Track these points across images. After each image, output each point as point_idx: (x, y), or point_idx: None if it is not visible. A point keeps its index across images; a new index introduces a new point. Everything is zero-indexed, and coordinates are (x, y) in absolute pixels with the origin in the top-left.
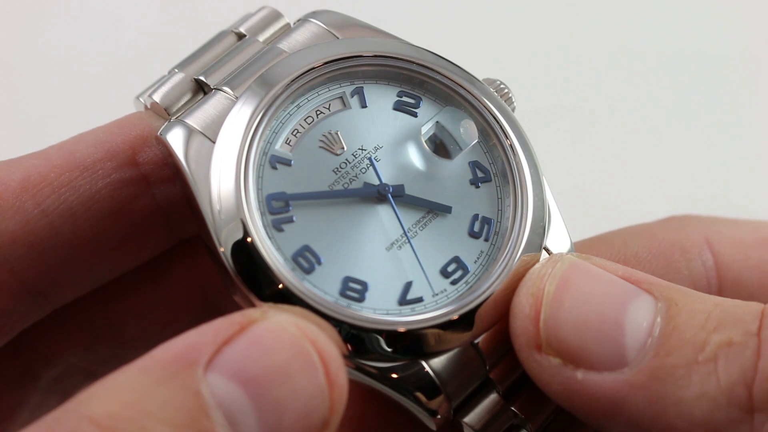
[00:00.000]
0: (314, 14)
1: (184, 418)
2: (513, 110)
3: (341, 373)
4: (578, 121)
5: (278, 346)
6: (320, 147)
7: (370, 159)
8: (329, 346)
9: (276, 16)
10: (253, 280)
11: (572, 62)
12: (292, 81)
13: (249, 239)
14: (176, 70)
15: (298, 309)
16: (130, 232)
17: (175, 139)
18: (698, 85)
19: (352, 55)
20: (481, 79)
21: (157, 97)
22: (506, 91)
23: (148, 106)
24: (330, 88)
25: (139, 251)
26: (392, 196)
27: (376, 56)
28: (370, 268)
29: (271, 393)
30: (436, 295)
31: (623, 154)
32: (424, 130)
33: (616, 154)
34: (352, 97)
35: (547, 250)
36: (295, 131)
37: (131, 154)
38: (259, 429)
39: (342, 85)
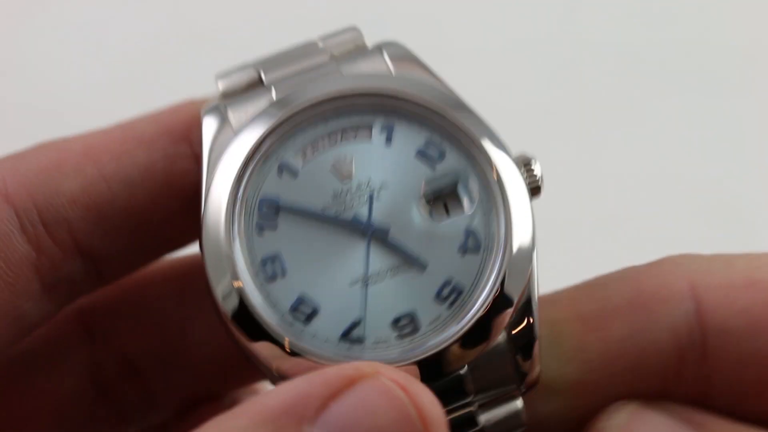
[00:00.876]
0: (385, 45)
1: None
2: (537, 192)
3: (439, 426)
4: (579, 120)
5: (382, 409)
6: (330, 169)
7: (370, 195)
8: (433, 409)
9: (356, 37)
10: (216, 274)
11: (575, 61)
12: (328, 100)
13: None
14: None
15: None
16: (181, 206)
17: (209, 123)
18: (705, 87)
19: (394, 95)
20: (515, 154)
21: (220, 83)
22: (535, 173)
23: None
24: (363, 117)
25: (189, 228)
26: (373, 238)
27: (415, 101)
28: (327, 296)
29: None
30: (378, 343)
31: (627, 155)
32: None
33: (619, 154)
34: (381, 132)
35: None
36: (315, 145)
37: (185, 132)
38: None
39: (377, 117)
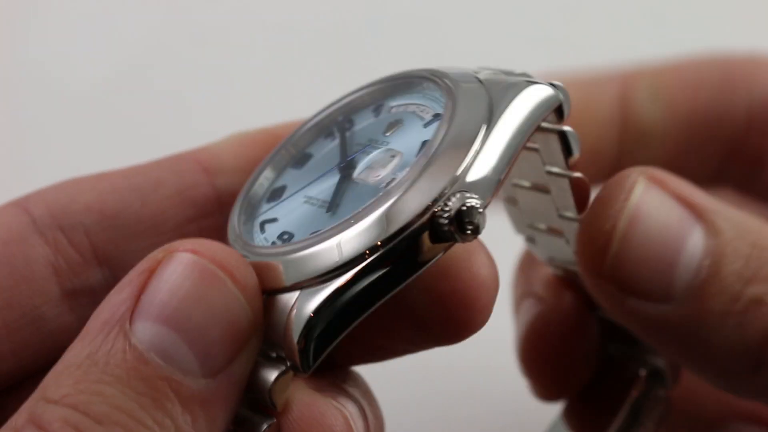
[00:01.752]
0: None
1: (127, 373)
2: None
3: (249, 276)
4: None
5: (183, 277)
6: (386, 124)
7: (368, 146)
8: (228, 255)
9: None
10: None
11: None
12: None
13: None
14: None
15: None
16: (191, 214)
17: None
18: None
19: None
20: None
21: None
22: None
23: None
24: (429, 99)
25: (199, 233)
26: (338, 173)
27: None
28: (287, 201)
29: (191, 319)
30: (264, 237)
31: None
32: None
33: None
34: (431, 116)
35: None
36: (399, 107)
37: (191, 154)
38: (193, 354)
39: (437, 103)
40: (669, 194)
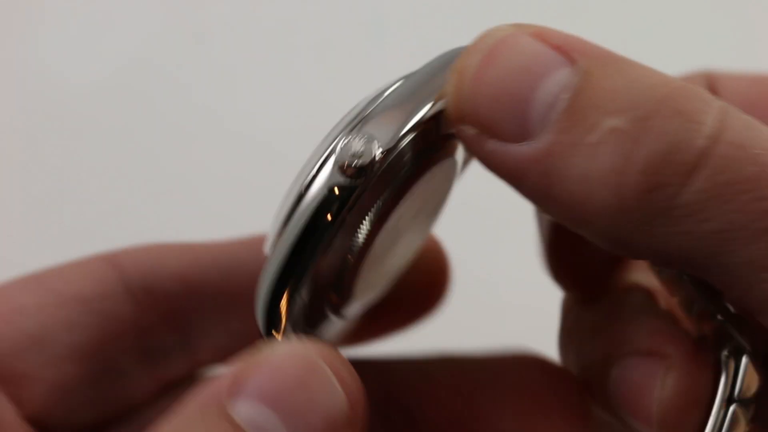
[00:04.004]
0: None
1: None
2: None
3: (349, 374)
4: None
5: (290, 365)
6: None
7: None
8: (332, 353)
9: None
10: None
11: None
12: None
13: None
14: None
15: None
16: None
17: None
18: None
19: None
20: None
21: None
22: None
23: None
24: None
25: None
26: None
27: None
28: None
29: (292, 403)
30: None
31: None
32: None
33: None
34: None
35: None
36: None
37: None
38: None
39: None
40: (541, 41)
